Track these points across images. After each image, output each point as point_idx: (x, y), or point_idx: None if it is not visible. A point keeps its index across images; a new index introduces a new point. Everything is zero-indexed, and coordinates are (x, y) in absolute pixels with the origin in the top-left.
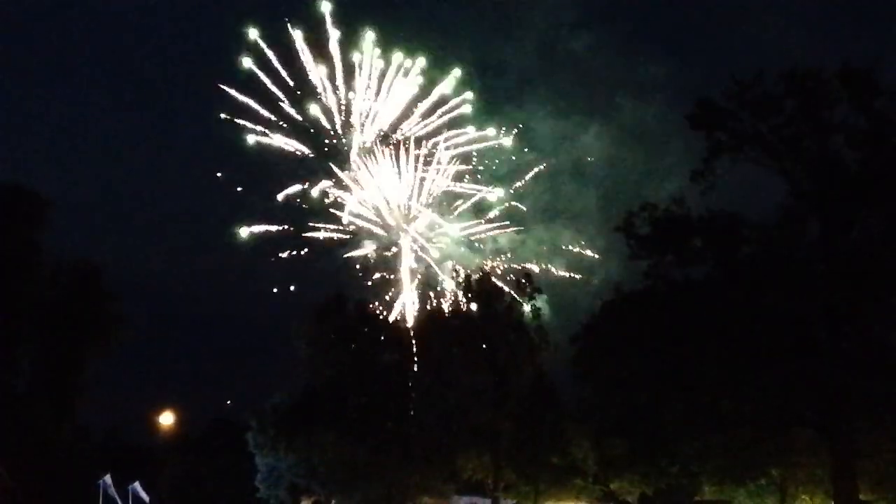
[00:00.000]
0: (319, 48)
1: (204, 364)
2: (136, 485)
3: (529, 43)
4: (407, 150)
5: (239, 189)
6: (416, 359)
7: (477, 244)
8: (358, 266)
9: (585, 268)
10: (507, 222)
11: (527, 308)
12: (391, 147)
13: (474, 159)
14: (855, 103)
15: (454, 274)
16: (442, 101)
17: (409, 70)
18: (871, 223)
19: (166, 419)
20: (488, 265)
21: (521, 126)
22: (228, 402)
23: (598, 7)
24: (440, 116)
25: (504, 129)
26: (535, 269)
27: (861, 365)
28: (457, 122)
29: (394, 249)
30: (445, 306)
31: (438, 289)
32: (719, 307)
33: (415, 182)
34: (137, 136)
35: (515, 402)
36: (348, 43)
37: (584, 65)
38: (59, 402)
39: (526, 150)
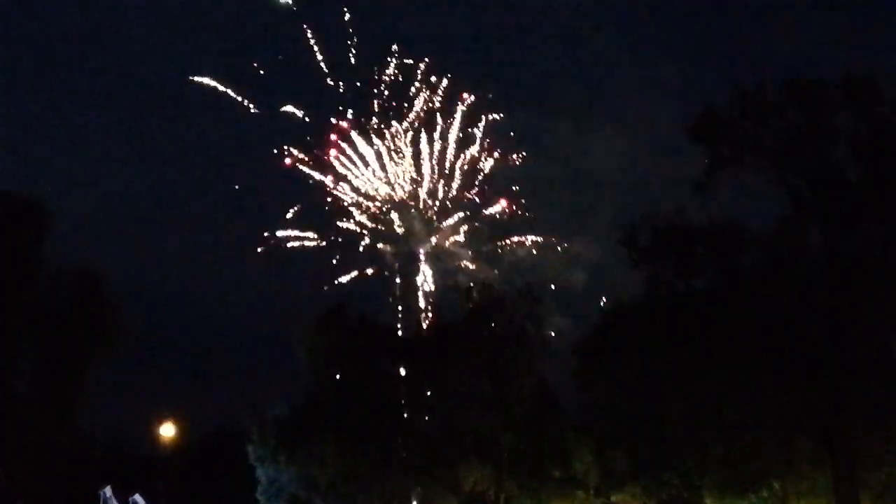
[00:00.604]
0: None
1: (205, 374)
2: (137, 496)
3: (543, 50)
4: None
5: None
6: (417, 369)
7: (495, 267)
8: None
9: (605, 280)
10: (527, 237)
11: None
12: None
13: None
14: (856, 112)
15: (461, 285)
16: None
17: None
18: (872, 230)
19: (167, 430)
20: (501, 279)
21: (543, 134)
22: (245, 416)
23: (611, 15)
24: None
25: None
26: (555, 281)
27: (863, 372)
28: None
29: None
30: (449, 317)
31: (446, 299)
32: (721, 316)
33: (438, 191)
34: (139, 143)
35: (517, 409)
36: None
37: (598, 72)
38: (61, 408)
39: (540, 158)
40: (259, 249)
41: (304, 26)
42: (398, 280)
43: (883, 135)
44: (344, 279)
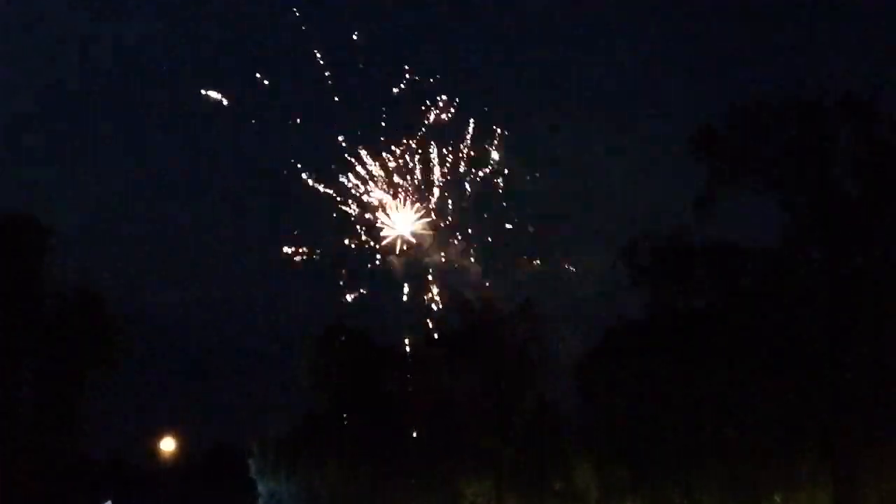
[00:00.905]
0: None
1: (206, 385)
2: None
3: (539, 63)
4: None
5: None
6: (418, 381)
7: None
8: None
9: (610, 292)
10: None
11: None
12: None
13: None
14: (855, 128)
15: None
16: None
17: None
18: (873, 248)
19: (167, 445)
20: (505, 294)
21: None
22: (245, 429)
23: (612, 26)
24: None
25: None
26: (561, 296)
27: (863, 375)
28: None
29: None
30: (449, 331)
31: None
32: (722, 332)
33: (447, 208)
34: (140, 157)
35: (517, 421)
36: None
37: (597, 72)
38: (61, 421)
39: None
40: (262, 265)
41: (312, 40)
42: (405, 297)
43: (882, 149)
44: (349, 297)
